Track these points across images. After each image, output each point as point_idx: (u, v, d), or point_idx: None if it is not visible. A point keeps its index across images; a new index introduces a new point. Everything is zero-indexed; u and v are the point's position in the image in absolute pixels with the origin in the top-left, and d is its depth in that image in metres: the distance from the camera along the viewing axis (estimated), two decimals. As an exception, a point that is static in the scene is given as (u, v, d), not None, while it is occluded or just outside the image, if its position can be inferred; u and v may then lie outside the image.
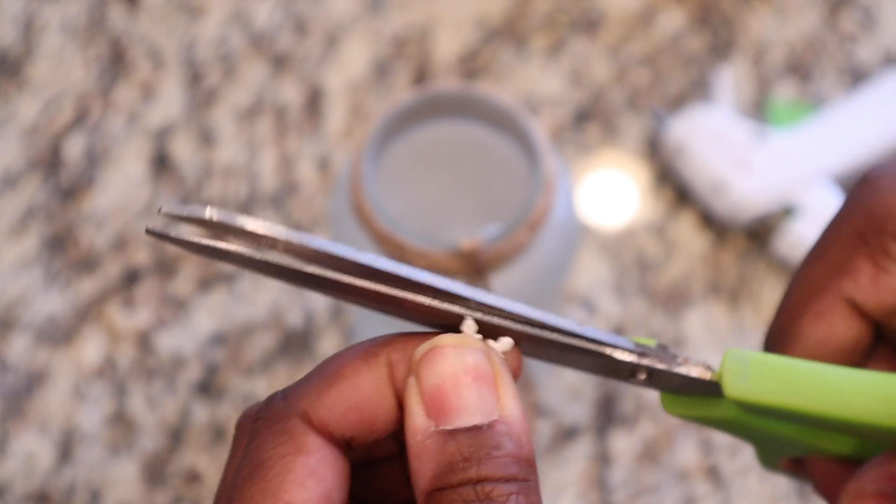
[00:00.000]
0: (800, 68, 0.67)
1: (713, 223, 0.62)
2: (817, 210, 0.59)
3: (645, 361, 0.27)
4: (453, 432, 0.23)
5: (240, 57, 0.67)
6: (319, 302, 0.61)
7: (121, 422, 0.58)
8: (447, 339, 0.24)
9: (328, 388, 0.24)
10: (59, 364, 0.59)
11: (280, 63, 0.67)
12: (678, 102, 0.66)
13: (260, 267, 0.25)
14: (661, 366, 0.28)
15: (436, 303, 0.25)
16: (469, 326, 0.25)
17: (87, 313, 0.60)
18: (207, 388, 0.59)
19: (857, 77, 0.67)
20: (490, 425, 0.23)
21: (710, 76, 0.66)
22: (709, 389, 0.28)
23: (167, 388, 0.59)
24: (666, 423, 0.58)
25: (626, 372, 0.27)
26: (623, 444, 0.58)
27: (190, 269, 0.61)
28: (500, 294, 0.26)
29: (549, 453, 0.57)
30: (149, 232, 0.24)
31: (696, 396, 0.29)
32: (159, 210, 0.23)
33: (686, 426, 0.58)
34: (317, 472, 0.24)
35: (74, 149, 0.64)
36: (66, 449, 0.58)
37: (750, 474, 0.57)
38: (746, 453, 0.58)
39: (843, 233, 0.30)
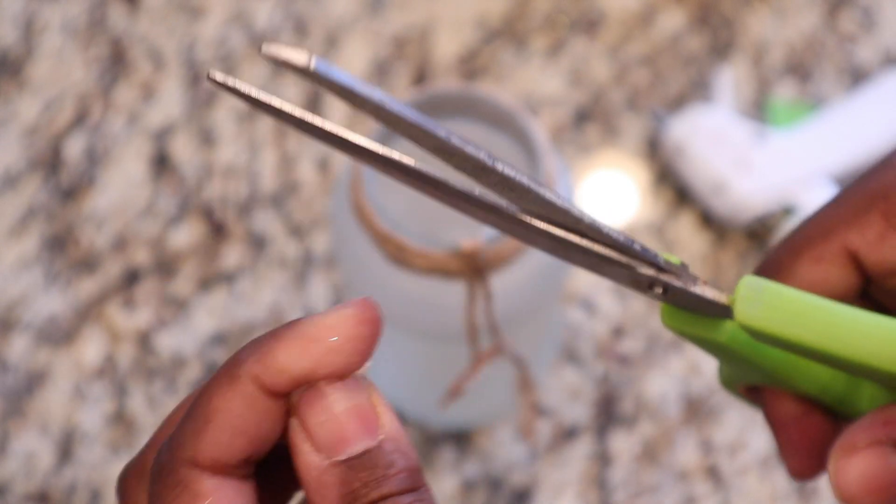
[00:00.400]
0: (800, 68, 0.67)
1: (713, 223, 0.62)
2: None
3: (665, 277, 0.29)
4: (348, 461, 0.24)
5: (240, 57, 0.67)
6: (320, 301, 0.61)
7: (121, 422, 0.58)
8: (321, 382, 0.25)
9: (205, 426, 0.25)
10: (59, 364, 0.59)
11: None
12: (678, 102, 0.66)
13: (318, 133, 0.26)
14: (678, 283, 0.29)
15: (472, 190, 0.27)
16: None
17: (88, 313, 0.60)
18: (208, 388, 0.59)
19: (856, 77, 0.67)
20: (379, 445, 0.25)
21: (710, 76, 0.66)
22: (718, 312, 0.29)
23: (167, 389, 0.59)
24: (666, 423, 0.58)
25: (644, 284, 0.29)
26: (623, 443, 0.58)
27: (190, 269, 0.61)
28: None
29: (549, 453, 0.57)
30: (210, 79, 0.25)
31: (699, 315, 0.30)
32: (261, 49, 0.23)
33: (686, 426, 0.58)
34: None
35: (75, 149, 0.65)
36: (66, 449, 0.58)
37: (750, 474, 0.57)
38: (747, 453, 0.58)
39: (866, 186, 0.30)
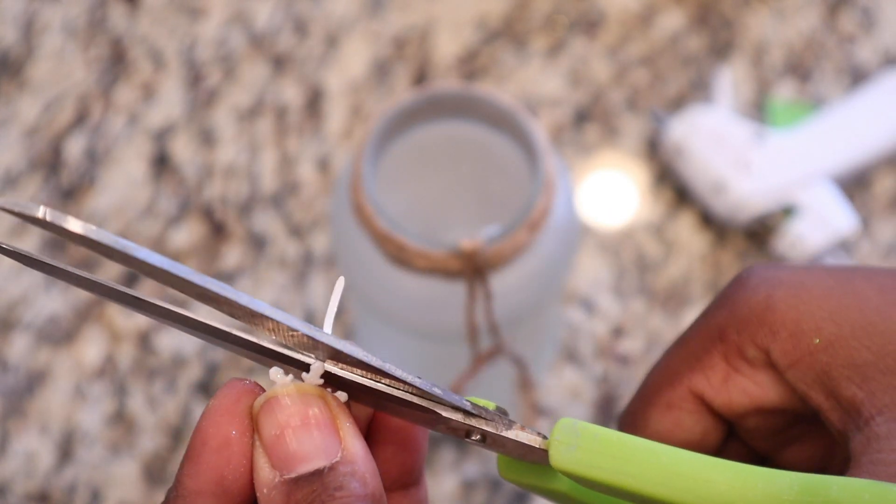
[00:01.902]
0: (799, 69, 0.67)
1: (713, 223, 0.62)
2: (816, 210, 0.59)
3: (474, 423, 0.27)
4: (296, 479, 0.23)
5: (240, 57, 0.67)
6: (320, 301, 0.61)
7: (121, 422, 0.58)
8: (283, 388, 0.25)
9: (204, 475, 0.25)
10: (59, 364, 0.59)
11: (280, 64, 0.67)
12: (678, 103, 0.66)
13: (83, 284, 0.25)
14: (489, 429, 0.27)
15: (277, 347, 0.25)
16: (315, 371, 0.25)
17: (88, 313, 0.60)
18: (208, 387, 0.59)
19: (856, 77, 0.67)
20: (332, 467, 0.23)
21: (710, 76, 0.66)
22: (541, 458, 0.27)
23: (168, 388, 0.59)
24: (666, 422, 0.58)
25: (461, 432, 0.27)
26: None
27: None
28: (343, 340, 0.25)
29: (549, 453, 0.57)
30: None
31: (535, 465, 0.28)
32: None
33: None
34: None
35: (75, 149, 0.65)
36: (66, 449, 0.58)
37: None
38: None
39: (706, 326, 0.29)
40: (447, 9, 0.68)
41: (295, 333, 0.24)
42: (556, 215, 0.46)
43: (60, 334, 0.60)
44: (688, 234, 0.62)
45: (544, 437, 0.27)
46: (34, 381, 0.59)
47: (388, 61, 0.67)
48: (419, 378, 0.26)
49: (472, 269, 0.44)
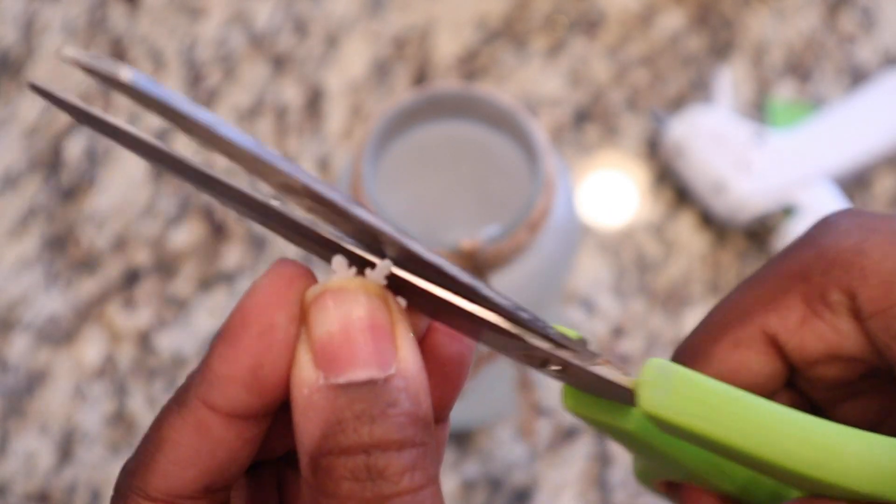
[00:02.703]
0: (799, 69, 0.67)
1: (713, 223, 0.62)
2: (816, 210, 0.59)
3: (561, 353, 0.24)
4: (345, 387, 0.21)
5: (240, 57, 0.67)
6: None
7: (121, 422, 0.58)
8: (343, 281, 0.22)
9: (154, 457, 0.22)
10: (59, 364, 0.59)
11: (280, 64, 0.67)
12: (678, 103, 0.66)
13: (145, 150, 0.22)
14: (575, 361, 0.24)
15: (323, 229, 0.22)
16: (382, 268, 0.22)
17: (88, 313, 0.60)
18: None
19: (856, 77, 0.67)
20: (386, 380, 0.21)
21: (710, 76, 0.66)
22: (622, 397, 0.25)
23: (168, 389, 0.59)
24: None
25: (537, 361, 0.24)
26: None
27: (190, 269, 0.61)
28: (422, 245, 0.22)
29: (549, 453, 0.57)
30: (32, 86, 0.22)
31: (603, 399, 0.26)
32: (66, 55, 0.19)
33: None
34: None
35: (75, 149, 0.65)
36: (66, 449, 0.58)
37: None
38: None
39: (785, 266, 0.28)
40: (447, 9, 0.68)
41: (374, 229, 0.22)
42: (556, 215, 0.46)
43: (60, 334, 0.60)
44: (688, 234, 0.62)
45: (630, 377, 0.25)
46: (34, 381, 0.59)
47: (388, 61, 0.67)
48: (506, 299, 0.23)
49: (472, 269, 0.44)
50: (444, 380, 0.24)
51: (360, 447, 0.20)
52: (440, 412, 0.24)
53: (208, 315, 0.60)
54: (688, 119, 0.62)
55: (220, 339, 0.22)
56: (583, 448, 0.57)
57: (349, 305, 0.21)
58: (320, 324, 0.21)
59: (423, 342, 0.24)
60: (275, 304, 0.22)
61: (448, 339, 0.24)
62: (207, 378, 0.22)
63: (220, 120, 0.19)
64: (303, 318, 0.22)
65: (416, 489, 0.21)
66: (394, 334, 0.21)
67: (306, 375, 0.21)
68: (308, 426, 0.21)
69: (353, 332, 0.21)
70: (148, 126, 0.65)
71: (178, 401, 0.23)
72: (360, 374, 0.21)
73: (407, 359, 0.21)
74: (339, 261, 0.23)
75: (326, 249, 0.23)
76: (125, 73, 0.18)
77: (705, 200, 0.61)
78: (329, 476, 0.21)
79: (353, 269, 0.23)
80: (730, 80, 0.64)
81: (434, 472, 0.21)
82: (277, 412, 0.23)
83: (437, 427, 0.24)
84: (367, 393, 0.20)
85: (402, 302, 0.23)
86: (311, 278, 0.23)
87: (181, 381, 0.61)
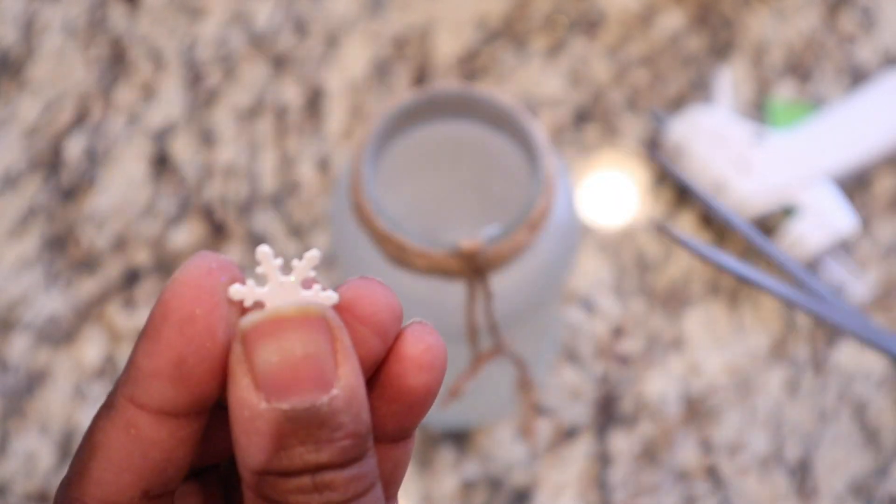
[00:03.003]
0: (799, 69, 0.67)
1: (713, 223, 0.62)
2: (817, 210, 0.59)
3: None
4: (288, 412, 0.21)
5: (240, 57, 0.67)
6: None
7: (121, 422, 0.58)
8: (279, 311, 0.22)
9: (88, 465, 0.22)
10: (59, 364, 0.59)
11: (280, 64, 0.67)
12: (678, 103, 0.66)
13: None
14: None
15: None
16: (310, 259, 0.23)
17: (88, 313, 0.61)
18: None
19: (856, 77, 0.67)
20: (329, 402, 0.21)
21: (710, 76, 0.66)
22: None
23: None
24: (665, 423, 0.58)
25: None
26: (623, 443, 0.58)
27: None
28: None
29: (548, 453, 0.57)
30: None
31: None
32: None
33: (686, 426, 0.58)
34: None
35: (75, 149, 0.65)
36: (66, 449, 0.58)
37: (749, 474, 0.57)
38: (746, 453, 0.58)
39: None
40: (447, 9, 0.68)
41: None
42: (556, 215, 0.46)
43: (60, 334, 0.60)
44: (688, 234, 0.62)
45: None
46: (34, 381, 0.59)
47: (388, 61, 0.67)
48: None
49: (472, 269, 0.44)
50: (410, 408, 0.24)
51: (307, 469, 0.21)
52: (404, 433, 0.24)
53: (208, 315, 0.60)
54: (688, 119, 0.62)
55: (143, 334, 0.22)
56: (583, 448, 0.57)
57: (289, 335, 0.21)
58: (260, 353, 0.21)
59: (391, 371, 0.23)
60: (194, 296, 0.22)
61: (416, 370, 0.23)
62: (132, 376, 0.22)
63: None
64: (244, 346, 0.21)
65: (362, 494, 0.21)
66: (335, 356, 0.21)
67: (248, 397, 0.21)
68: (251, 447, 0.21)
69: (294, 360, 0.21)
70: (149, 126, 0.65)
71: (107, 404, 0.22)
72: (303, 400, 0.21)
73: (348, 377, 0.21)
74: (263, 251, 0.23)
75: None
76: None
77: (706, 201, 0.61)
78: (275, 489, 0.21)
79: (279, 260, 0.23)
80: (730, 80, 0.64)
81: (375, 473, 0.22)
82: (216, 412, 0.23)
83: (402, 443, 0.24)
84: (310, 417, 0.21)
85: (334, 297, 0.22)
86: (232, 269, 0.22)
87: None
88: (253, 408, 0.21)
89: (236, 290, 0.22)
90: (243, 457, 0.21)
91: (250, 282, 0.23)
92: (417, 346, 0.24)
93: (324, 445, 0.21)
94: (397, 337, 0.24)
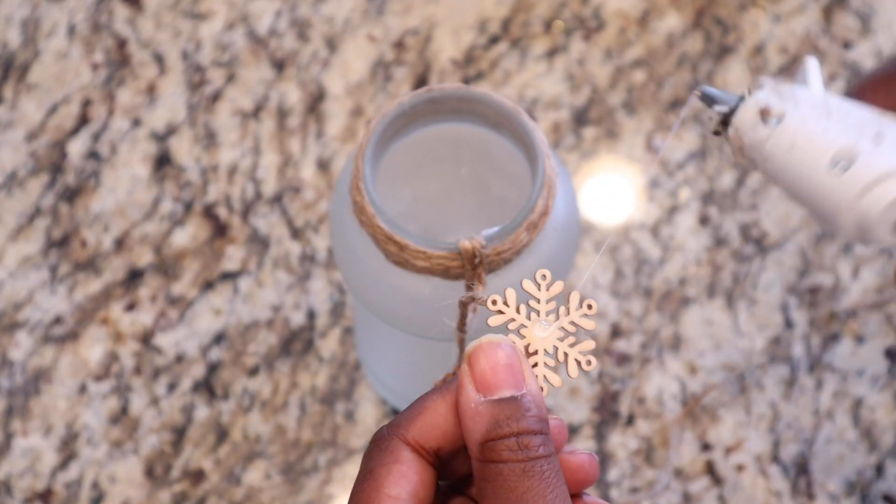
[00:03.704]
0: (796, 70, 0.68)
1: (708, 224, 0.63)
2: None
3: None
4: (498, 401, 0.32)
5: (243, 60, 0.68)
6: (321, 302, 0.61)
7: (125, 420, 0.59)
8: (489, 337, 0.34)
9: (416, 417, 0.34)
10: (63, 363, 0.60)
11: (282, 66, 0.67)
12: (677, 104, 0.66)
13: None
14: None
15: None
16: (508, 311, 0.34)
17: (92, 313, 0.61)
18: (210, 386, 0.60)
19: (852, 79, 0.67)
20: (521, 396, 0.33)
21: (709, 77, 0.67)
22: None
23: (171, 387, 0.60)
24: (663, 421, 0.59)
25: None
26: (621, 442, 0.58)
27: (193, 269, 0.62)
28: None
29: (548, 451, 0.57)
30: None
31: None
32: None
33: (683, 423, 0.59)
34: (407, 475, 0.33)
35: (79, 150, 0.65)
36: (70, 447, 0.58)
37: (746, 472, 0.58)
38: (743, 451, 0.58)
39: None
40: (447, 12, 0.69)
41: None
42: (555, 215, 0.46)
43: (64, 334, 0.61)
44: (684, 235, 0.63)
45: None
46: (38, 381, 0.60)
47: (389, 64, 0.68)
48: None
49: (472, 269, 0.44)
50: (575, 484, 0.35)
51: (513, 434, 0.32)
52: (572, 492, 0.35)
53: (211, 315, 0.61)
54: (778, 90, 0.44)
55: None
56: (582, 446, 0.57)
57: (493, 352, 0.33)
58: (478, 365, 0.33)
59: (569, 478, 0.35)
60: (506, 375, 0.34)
61: (582, 484, 0.35)
62: (460, 378, 0.34)
63: None
64: (465, 360, 0.33)
65: (548, 455, 0.32)
66: (522, 370, 0.33)
67: (472, 395, 0.33)
68: (475, 426, 0.33)
69: (498, 368, 0.33)
70: (152, 127, 0.66)
71: (444, 389, 0.34)
72: (505, 392, 0.33)
73: (531, 384, 0.33)
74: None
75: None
76: None
77: (812, 191, 0.44)
78: (494, 450, 0.32)
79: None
80: (817, 68, 0.46)
81: (553, 448, 0.33)
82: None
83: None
84: (511, 404, 0.33)
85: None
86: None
87: (184, 380, 0.62)
88: (476, 401, 0.33)
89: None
90: (471, 434, 0.33)
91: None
92: (590, 477, 0.35)
93: (521, 419, 0.32)
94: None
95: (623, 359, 0.60)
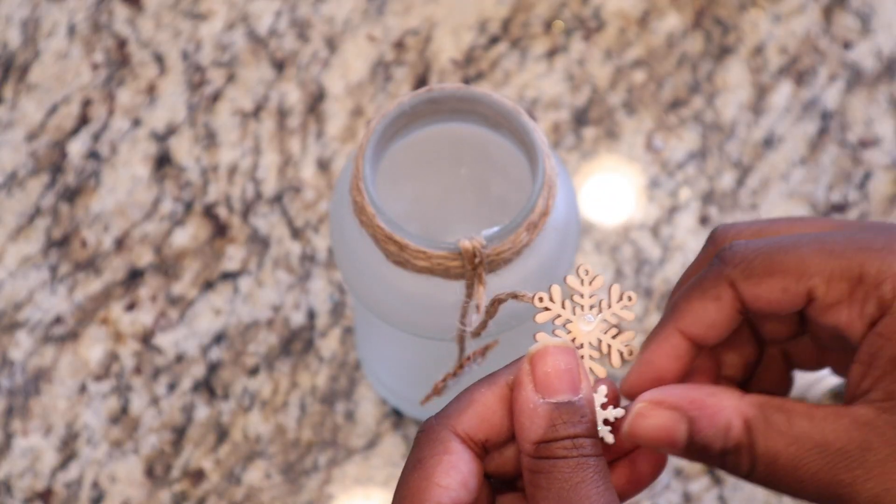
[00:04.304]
0: (796, 71, 0.68)
1: (708, 223, 0.63)
2: None
3: None
4: (556, 404, 0.34)
5: (243, 60, 0.68)
6: (321, 302, 0.61)
7: (125, 420, 0.59)
8: (552, 342, 0.35)
9: (465, 408, 0.35)
10: (63, 363, 0.60)
11: (282, 66, 0.67)
12: (677, 104, 0.66)
13: None
14: None
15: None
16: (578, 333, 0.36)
17: (92, 313, 0.61)
18: (211, 386, 0.60)
19: (853, 78, 0.67)
20: (578, 400, 0.34)
21: (708, 77, 0.67)
22: None
23: (171, 387, 0.60)
24: (664, 421, 0.59)
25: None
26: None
27: (193, 269, 0.62)
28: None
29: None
30: None
31: None
32: None
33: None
34: (457, 466, 0.34)
35: (79, 150, 0.65)
36: (70, 447, 0.58)
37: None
38: (743, 451, 0.58)
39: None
40: (447, 12, 0.69)
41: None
42: (555, 215, 0.46)
43: (65, 334, 0.61)
44: (684, 235, 0.63)
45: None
46: (38, 380, 0.60)
47: (389, 64, 0.68)
48: None
49: (472, 269, 0.44)
50: (635, 483, 0.37)
51: (569, 437, 0.33)
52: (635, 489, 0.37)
53: (212, 315, 0.61)
54: None
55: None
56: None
57: (557, 357, 0.34)
58: (540, 367, 0.34)
59: (632, 476, 0.36)
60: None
61: (650, 467, 0.36)
62: (512, 373, 0.35)
63: None
64: (526, 360, 0.35)
65: (597, 455, 0.34)
66: (580, 375, 0.34)
67: (531, 395, 0.34)
68: (532, 426, 0.34)
69: (560, 372, 0.34)
70: (152, 127, 0.66)
71: (490, 380, 0.35)
72: (564, 397, 0.34)
73: (586, 389, 0.34)
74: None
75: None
76: None
77: None
78: (548, 450, 0.33)
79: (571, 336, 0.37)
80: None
81: (601, 451, 0.34)
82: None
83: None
84: (568, 408, 0.34)
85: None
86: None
87: (184, 380, 0.62)
88: (534, 401, 0.34)
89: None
90: (527, 434, 0.34)
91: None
92: (655, 467, 0.37)
93: (578, 423, 0.34)
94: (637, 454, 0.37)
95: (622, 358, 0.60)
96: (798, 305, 0.34)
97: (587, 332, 0.36)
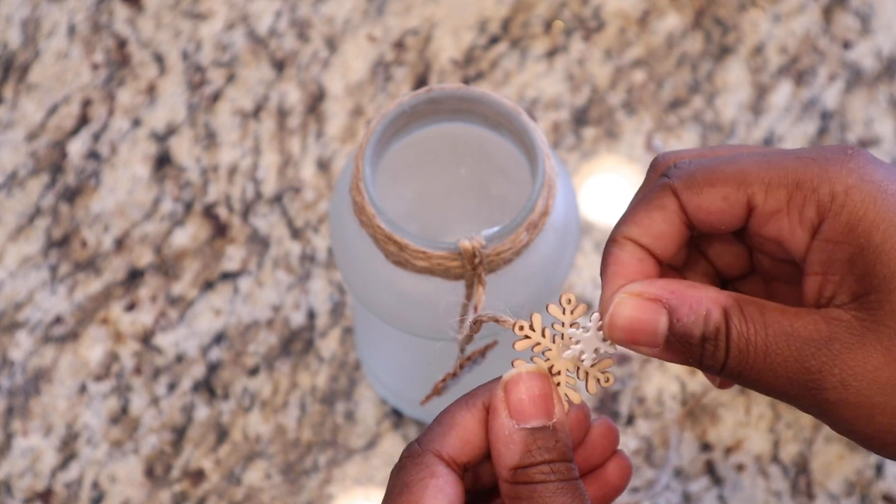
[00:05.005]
0: (795, 71, 0.68)
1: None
2: None
3: None
4: (531, 430, 0.35)
5: (243, 60, 0.68)
6: (321, 302, 0.61)
7: (125, 420, 0.59)
8: (527, 367, 0.36)
9: (448, 432, 0.35)
10: (63, 363, 0.60)
11: (282, 66, 0.67)
12: (677, 104, 0.66)
13: None
14: None
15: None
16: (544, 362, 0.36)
17: (92, 313, 0.61)
18: (210, 386, 0.60)
19: (853, 78, 0.67)
20: (553, 424, 0.35)
21: (708, 77, 0.67)
22: None
23: (171, 388, 0.60)
24: (663, 421, 0.59)
25: None
26: (622, 442, 0.58)
27: (193, 269, 0.62)
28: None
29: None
30: None
31: None
32: None
33: (683, 423, 0.59)
34: (444, 489, 0.35)
35: (79, 150, 0.65)
36: (70, 447, 0.58)
37: (746, 472, 0.58)
38: (743, 451, 0.58)
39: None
40: (447, 12, 0.69)
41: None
42: (555, 215, 0.46)
43: (65, 334, 0.61)
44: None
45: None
46: (38, 380, 0.60)
47: (389, 64, 0.68)
48: None
49: (472, 270, 0.44)
50: (603, 498, 0.39)
51: (544, 462, 0.34)
52: None
53: (211, 315, 0.61)
54: None
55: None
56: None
57: (530, 383, 0.35)
58: (514, 393, 0.35)
59: (602, 485, 0.39)
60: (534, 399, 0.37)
61: (615, 492, 0.39)
62: (488, 394, 0.36)
63: None
64: (500, 387, 0.35)
65: (574, 479, 0.35)
66: (554, 400, 0.35)
67: (506, 421, 0.35)
68: (508, 452, 0.35)
69: (534, 398, 0.35)
70: (152, 127, 0.66)
71: (468, 403, 0.36)
72: (538, 422, 0.35)
73: (559, 413, 0.35)
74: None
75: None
76: None
77: None
78: (526, 475, 0.34)
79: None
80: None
81: (577, 474, 0.35)
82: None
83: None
84: (543, 433, 0.35)
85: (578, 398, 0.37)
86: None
87: (184, 380, 0.62)
88: (510, 427, 0.35)
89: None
90: (503, 460, 0.35)
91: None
92: (622, 480, 0.39)
93: (551, 450, 0.35)
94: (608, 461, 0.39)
95: (623, 359, 0.60)
96: (740, 217, 0.34)
97: (565, 360, 0.36)
